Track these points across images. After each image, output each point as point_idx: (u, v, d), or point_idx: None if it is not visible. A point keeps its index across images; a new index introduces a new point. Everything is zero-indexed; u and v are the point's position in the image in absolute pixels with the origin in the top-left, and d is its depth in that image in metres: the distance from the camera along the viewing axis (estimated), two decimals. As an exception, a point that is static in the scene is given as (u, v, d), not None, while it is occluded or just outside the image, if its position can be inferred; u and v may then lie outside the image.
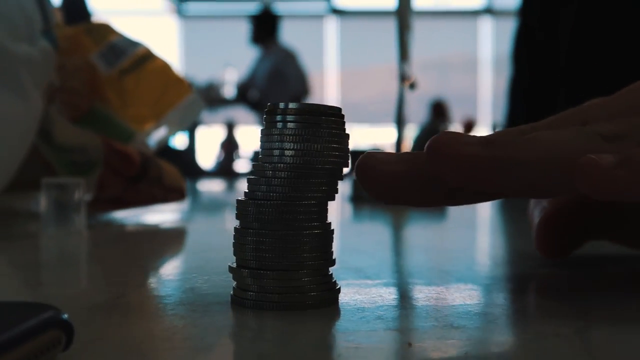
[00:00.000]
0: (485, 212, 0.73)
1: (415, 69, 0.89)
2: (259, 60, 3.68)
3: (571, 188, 0.25)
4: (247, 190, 0.26)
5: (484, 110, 6.29)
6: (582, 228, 0.36)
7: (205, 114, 3.83)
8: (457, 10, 6.44)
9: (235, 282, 0.26)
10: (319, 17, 6.34)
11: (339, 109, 0.26)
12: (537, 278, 0.35)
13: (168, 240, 0.52)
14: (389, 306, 0.27)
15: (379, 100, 6.05)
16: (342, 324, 0.24)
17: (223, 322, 0.24)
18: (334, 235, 0.27)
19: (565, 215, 0.35)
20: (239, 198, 0.26)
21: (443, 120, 4.61)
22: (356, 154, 0.27)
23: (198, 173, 3.17)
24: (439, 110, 4.73)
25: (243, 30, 3.83)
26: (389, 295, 0.29)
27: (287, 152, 0.25)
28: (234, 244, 0.26)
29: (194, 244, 0.51)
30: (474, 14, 6.30)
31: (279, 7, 4.56)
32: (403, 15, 0.87)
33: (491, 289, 0.31)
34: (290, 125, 0.25)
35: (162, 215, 0.63)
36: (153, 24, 6.52)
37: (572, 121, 0.29)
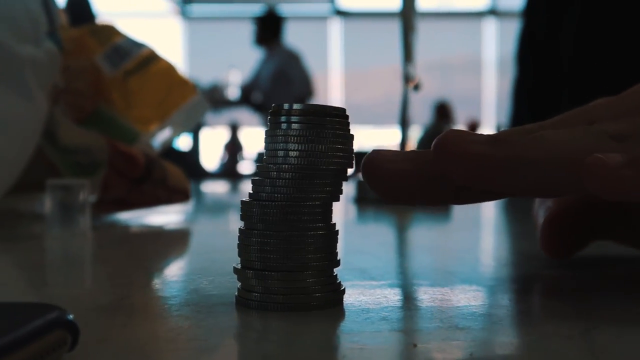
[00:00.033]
0: (490, 212, 0.73)
1: (419, 70, 0.89)
2: (263, 61, 3.69)
3: (577, 187, 0.25)
4: (251, 192, 0.26)
5: (487, 112, 6.29)
6: (587, 228, 0.36)
7: (209, 116, 3.83)
8: (461, 12, 6.44)
9: (240, 283, 0.26)
10: (322, 18, 6.34)
11: (344, 110, 0.26)
12: (542, 279, 0.35)
13: (172, 242, 0.52)
14: (394, 307, 0.27)
15: (383, 102, 6.05)
16: (347, 325, 0.24)
17: (228, 323, 0.24)
18: (339, 237, 0.27)
19: (570, 215, 0.35)
20: (244, 199, 0.27)
21: (447, 122, 4.60)
22: (360, 155, 0.27)
23: (202, 174, 3.17)
24: (442, 112, 4.72)
25: (247, 31, 3.84)
26: (394, 296, 0.29)
27: (291, 153, 0.25)
28: (239, 245, 0.26)
29: (198, 245, 0.51)
30: (478, 15, 6.30)
31: (283, 9, 4.56)
32: (407, 16, 0.87)
33: (496, 290, 0.31)
34: (294, 126, 0.25)
35: (167, 216, 0.64)
36: (157, 25, 6.53)
37: (579, 121, 0.29)
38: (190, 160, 3.17)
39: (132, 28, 0.67)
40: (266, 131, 0.26)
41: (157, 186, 0.57)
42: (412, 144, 0.94)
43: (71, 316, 0.18)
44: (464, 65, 6.61)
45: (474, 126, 5.26)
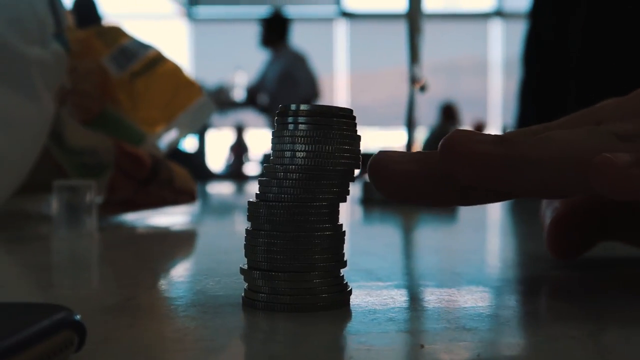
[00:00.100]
0: (496, 213, 0.73)
1: (426, 72, 0.89)
2: (269, 63, 3.69)
3: (584, 188, 0.25)
4: (258, 192, 0.26)
5: (493, 113, 6.28)
6: (594, 229, 0.36)
7: (215, 117, 3.84)
8: (467, 13, 6.43)
9: (247, 284, 0.26)
10: (328, 20, 6.35)
11: (350, 111, 0.26)
12: (549, 280, 0.35)
13: (178, 243, 0.52)
14: (401, 308, 0.27)
15: (389, 103, 6.05)
16: (354, 325, 0.24)
17: (234, 323, 0.24)
18: (345, 237, 0.27)
19: (577, 215, 0.35)
20: (251, 200, 0.26)
21: (453, 123, 4.60)
22: (366, 156, 0.27)
23: (208, 176, 3.17)
24: (448, 113, 4.72)
25: (253, 33, 3.84)
26: (400, 297, 0.29)
27: (298, 154, 0.25)
28: (246, 246, 0.26)
29: (205, 246, 0.51)
30: (484, 16, 6.29)
31: (289, 10, 4.56)
32: (414, 18, 0.87)
33: (502, 291, 0.31)
34: (301, 126, 0.25)
35: (173, 217, 0.64)
36: (163, 27, 6.54)
37: (586, 121, 0.29)
38: (196, 161, 3.18)
39: (138, 30, 0.67)
40: (273, 132, 0.26)
41: (164, 187, 0.57)
42: (418, 146, 0.94)
43: (78, 316, 0.18)
44: (470, 66, 6.61)
45: (480, 127, 5.25)
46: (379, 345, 0.21)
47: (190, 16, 6.57)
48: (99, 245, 0.47)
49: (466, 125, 5.17)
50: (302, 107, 0.26)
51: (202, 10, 6.57)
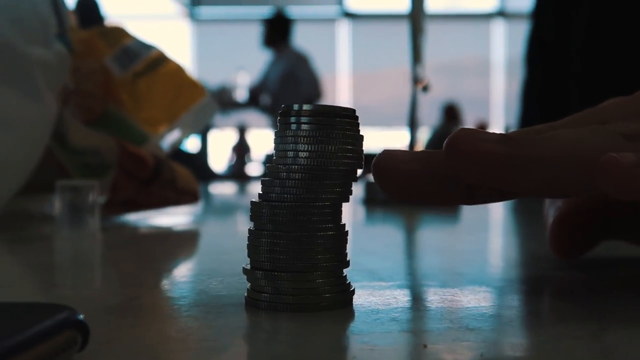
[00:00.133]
0: (498, 213, 0.73)
1: (428, 72, 0.89)
2: (271, 63, 3.69)
3: (589, 187, 0.25)
4: (261, 192, 0.26)
5: (496, 113, 6.28)
6: (597, 228, 0.36)
7: (217, 118, 3.84)
8: (470, 14, 6.43)
9: (250, 284, 0.26)
10: (331, 20, 6.34)
11: (353, 111, 0.26)
12: (551, 280, 0.35)
13: (181, 243, 0.52)
14: (404, 308, 0.27)
15: (391, 103, 6.04)
16: (357, 325, 0.24)
17: (237, 323, 0.24)
18: (348, 237, 0.27)
19: (580, 214, 0.35)
20: (253, 200, 0.26)
21: (455, 123, 4.60)
22: (369, 156, 0.27)
23: (210, 176, 3.17)
24: (451, 113, 4.72)
25: (255, 33, 3.84)
26: (403, 297, 0.29)
27: (301, 154, 0.25)
28: (248, 246, 0.26)
29: (207, 246, 0.51)
30: (487, 17, 6.29)
31: (291, 11, 4.56)
32: (416, 18, 0.87)
33: (505, 291, 0.31)
34: (304, 126, 0.25)
35: (175, 217, 0.64)
36: (165, 28, 6.54)
37: (591, 120, 0.29)
38: (198, 161, 3.18)
39: (141, 30, 0.67)
40: (276, 132, 0.26)
41: (166, 187, 0.57)
42: (420, 146, 0.94)
43: (81, 316, 0.18)
44: (472, 66, 6.60)
45: (482, 127, 5.23)
46: (382, 345, 0.21)
47: (193, 17, 6.57)
48: (101, 245, 0.47)
49: (468, 125, 5.17)
50: (305, 107, 0.26)
51: (205, 11, 6.58)
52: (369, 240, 0.52)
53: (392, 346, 0.22)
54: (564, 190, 0.27)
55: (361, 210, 0.73)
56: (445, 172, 0.26)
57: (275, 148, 0.26)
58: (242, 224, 0.65)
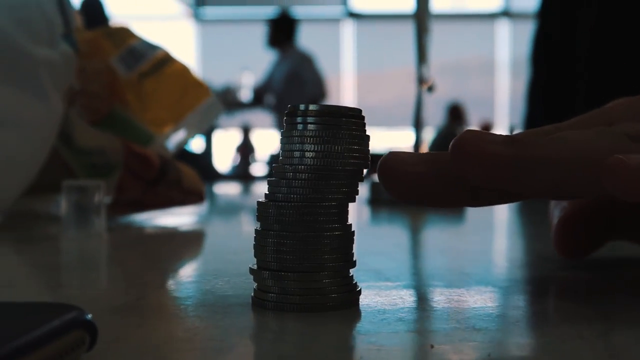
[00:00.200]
0: (503, 214, 0.73)
1: (432, 72, 0.89)
2: (276, 63, 3.69)
3: (596, 189, 0.25)
4: (267, 192, 0.26)
5: (501, 113, 6.27)
6: (602, 228, 0.36)
7: (221, 118, 3.84)
8: (475, 13, 6.42)
9: (256, 284, 0.27)
10: (335, 20, 6.34)
11: (360, 111, 0.26)
12: (557, 280, 0.34)
13: (187, 243, 0.52)
14: (410, 308, 0.27)
15: (395, 104, 6.04)
16: (363, 325, 0.24)
17: (244, 323, 0.24)
18: (354, 237, 0.27)
19: (585, 215, 0.35)
20: (260, 200, 0.27)
21: (460, 124, 4.59)
22: (374, 156, 0.27)
23: (215, 176, 3.18)
24: (455, 113, 4.71)
25: (260, 34, 3.84)
26: (409, 297, 0.29)
27: (307, 154, 0.25)
28: (255, 246, 0.26)
29: (213, 246, 0.51)
30: (491, 16, 6.28)
31: (296, 11, 4.56)
32: (421, 18, 0.87)
33: (511, 292, 0.31)
34: (310, 127, 0.25)
35: (181, 218, 0.64)
36: (170, 28, 6.55)
37: (598, 122, 0.29)
38: (203, 162, 3.18)
39: (145, 31, 0.67)
40: (282, 132, 0.26)
41: (172, 188, 0.57)
42: (425, 146, 0.94)
43: (89, 316, 0.18)
44: (477, 66, 6.59)
45: (487, 127, 5.24)
46: (389, 345, 0.21)
47: (197, 17, 6.57)
48: (107, 246, 0.47)
49: (473, 125, 5.16)
50: (311, 107, 0.26)
51: (209, 11, 6.58)
52: (374, 241, 0.52)
53: (399, 346, 0.22)
54: (570, 191, 0.27)
55: (366, 210, 0.73)
56: (450, 174, 0.26)
57: (282, 148, 0.26)
58: (247, 224, 0.66)
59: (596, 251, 0.37)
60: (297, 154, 0.26)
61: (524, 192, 0.27)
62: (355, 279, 0.27)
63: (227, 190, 1.35)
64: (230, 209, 0.89)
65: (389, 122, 5.80)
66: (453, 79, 6.30)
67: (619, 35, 0.91)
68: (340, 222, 0.26)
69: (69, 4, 0.56)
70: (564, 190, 0.27)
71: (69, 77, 0.55)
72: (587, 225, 0.35)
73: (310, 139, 0.25)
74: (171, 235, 0.55)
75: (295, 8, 5.10)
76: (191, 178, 0.59)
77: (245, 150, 4.87)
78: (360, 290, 0.27)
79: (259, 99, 3.82)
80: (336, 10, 6.32)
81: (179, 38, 6.48)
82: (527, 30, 1.17)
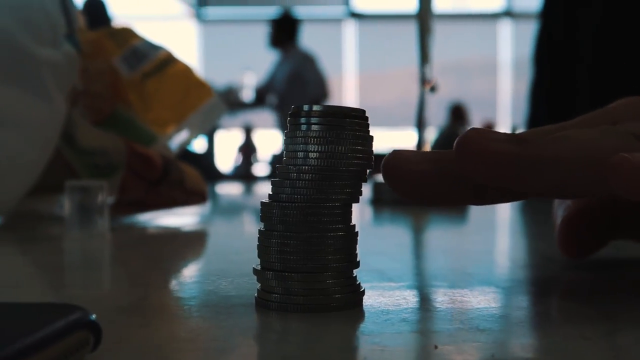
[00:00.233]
0: (506, 214, 0.73)
1: (435, 72, 0.89)
2: (278, 64, 3.69)
3: (600, 188, 0.25)
4: (271, 193, 0.26)
5: (503, 113, 6.26)
6: (606, 227, 0.36)
7: (223, 118, 3.84)
8: (477, 13, 6.42)
9: (260, 284, 0.27)
10: (337, 20, 6.34)
11: (363, 111, 0.26)
12: (560, 281, 0.34)
13: (190, 243, 0.52)
14: (414, 309, 0.27)
15: (398, 104, 6.04)
16: (367, 326, 0.24)
17: (247, 324, 0.24)
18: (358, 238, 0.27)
19: (588, 214, 0.35)
20: (264, 200, 0.27)
21: (462, 124, 4.58)
22: (377, 157, 0.27)
23: (217, 176, 3.18)
24: (457, 114, 4.71)
25: (262, 34, 3.84)
26: (413, 297, 0.29)
27: (311, 155, 0.25)
28: (259, 247, 0.26)
29: (216, 246, 0.51)
30: (494, 16, 6.28)
31: (298, 11, 4.56)
32: (424, 18, 0.87)
33: (514, 292, 0.31)
34: (314, 127, 0.25)
35: (183, 218, 0.64)
36: (172, 28, 6.55)
37: (602, 121, 0.29)
38: (205, 162, 3.18)
39: (147, 31, 0.67)
40: (286, 132, 0.26)
41: (175, 188, 0.57)
42: (428, 146, 0.94)
43: (94, 316, 0.18)
44: (479, 66, 6.59)
45: (489, 128, 5.22)
46: (392, 345, 0.21)
47: (199, 17, 6.58)
48: (110, 246, 0.47)
49: (475, 125, 5.15)
50: (315, 107, 0.26)
51: (211, 11, 6.58)
52: (377, 241, 0.52)
53: (402, 347, 0.22)
54: (575, 190, 0.27)
55: (369, 211, 0.73)
56: (455, 172, 0.26)
57: (286, 149, 0.26)
58: (250, 225, 0.66)
59: (600, 250, 0.37)
60: (300, 154, 0.26)
61: (528, 191, 0.27)
62: (359, 280, 0.27)
63: (229, 190, 1.36)
64: (232, 209, 0.89)
65: (391, 122, 5.80)
66: (455, 79, 6.30)
67: (622, 35, 0.91)
68: (344, 222, 0.26)
69: (72, 4, 0.56)
70: (568, 189, 0.27)
71: (72, 77, 0.55)
72: (591, 225, 0.35)
73: (314, 140, 0.25)
74: (174, 236, 0.55)
75: (297, 8, 5.09)
76: (194, 178, 0.59)
77: (247, 150, 4.87)
78: (363, 290, 0.27)
79: (261, 99, 3.82)
80: (338, 10, 6.32)
81: (180, 38, 6.48)
82: (530, 30, 1.16)
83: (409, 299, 0.28)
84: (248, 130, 4.91)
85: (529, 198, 0.30)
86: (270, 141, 4.66)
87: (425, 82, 0.87)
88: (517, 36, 6.12)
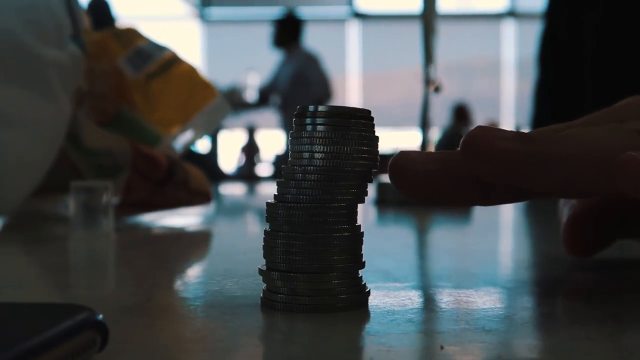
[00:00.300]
0: (510, 215, 0.73)
1: (439, 72, 0.89)
2: (282, 64, 3.69)
3: (607, 186, 0.25)
4: (276, 193, 0.26)
5: (506, 114, 6.26)
6: (611, 226, 0.36)
7: (227, 118, 3.84)
8: (480, 14, 6.41)
9: (265, 285, 0.27)
10: (341, 21, 6.34)
11: (369, 112, 0.26)
12: (565, 281, 0.34)
13: (195, 243, 0.52)
14: (419, 309, 0.27)
15: (401, 104, 6.04)
16: (373, 326, 0.24)
17: (253, 324, 0.25)
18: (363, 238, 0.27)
19: (594, 213, 0.35)
20: (269, 201, 0.27)
21: (465, 124, 4.58)
22: (382, 157, 0.27)
23: (220, 177, 3.18)
24: (461, 114, 4.70)
25: (265, 34, 3.85)
26: (418, 298, 0.29)
27: (316, 155, 0.25)
28: (264, 247, 0.26)
29: (221, 247, 0.51)
30: (497, 17, 6.27)
31: (302, 11, 4.56)
32: (428, 18, 0.87)
33: (519, 293, 0.31)
34: (319, 128, 0.25)
35: (188, 218, 0.64)
36: (176, 28, 6.55)
37: (608, 119, 0.29)
38: (208, 162, 3.19)
39: (151, 31, 0.67)
40: (291, 133, 0.26)
41: (179, 188, 0.57)
42: (432, 147, 0.94)
43: (100, 316, 0.18)
44: (482, 67, 6.58)
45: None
46: (398, 346, 0.21)
47: (203, 17, 6.58)
48: (115, 246, 0.47)
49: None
50: (320, 108, 0.26)
51: (215, 12, 6.58)
52: (382, 241, 0.52)
53: (408, 347, 0.22)
54: (581, 188, 0.27)
55: (373, 211, 0.73)
56: (461, 172, 0.26)
57: (291, 149, 0.26)
58: (254, 225, 0.66)
59: (605, 249, 0.37)
60: (306, 155, 0.26)
61: (534, 189, 0.27)
62: (364, 280, 0.27)
63: (233, 190, 1.36)
64: (236, 210, 0.89)
65: (395, 122, 5.80)
66: (459, 79, 6.29)
67: (626, 35, 0.91)
68: (350, 223, 0.26)
69: (77, 5, 0.56)
70: (575, 187, 0.27)
71: (77, 78, 0.56)
72: (596, 224, 0.35)
73: (319, 140, 0.25)
74: (179, 236, 0.55)
75: (300, 8, 5.09)
76: (198, 179, 0.59)
77: (251, 150, 4.87)
78: (369, 291, 0.27)
79: (264, 99, 3.82)
80: (342, 10, 6.32)
81: (184, 38, 6.49)
82: (533, 30, 1.16)
83: (415, 299, 0.29)
84: (251, 131, 4.90)
85: (535, 197, 0.30)
86: (273, 141, 4.66)
87: (429, 83, 0.86)
88: (521, 36, 6.11)
